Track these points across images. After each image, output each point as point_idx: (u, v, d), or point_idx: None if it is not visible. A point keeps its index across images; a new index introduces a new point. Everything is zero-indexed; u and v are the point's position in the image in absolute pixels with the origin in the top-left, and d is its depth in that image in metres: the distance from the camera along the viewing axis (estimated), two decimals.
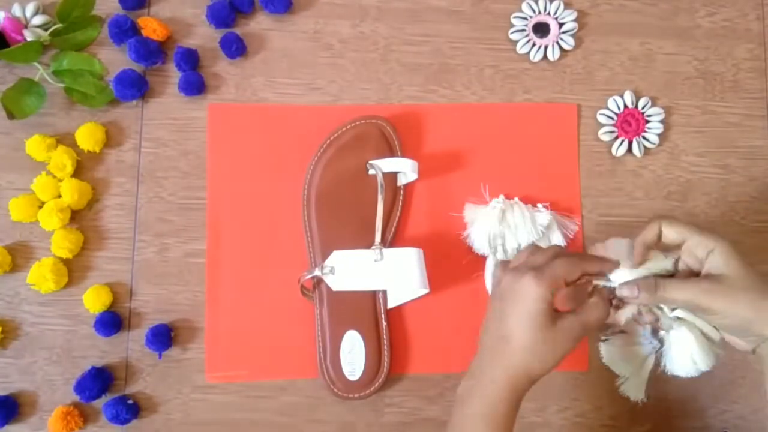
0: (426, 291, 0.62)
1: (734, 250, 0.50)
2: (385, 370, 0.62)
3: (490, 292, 0.62)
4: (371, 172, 0.63)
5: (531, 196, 0.66)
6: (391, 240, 0.64)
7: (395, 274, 0.60)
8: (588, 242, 0.67)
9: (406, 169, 0.63)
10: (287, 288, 0.63)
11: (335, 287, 0.61)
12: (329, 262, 0.61)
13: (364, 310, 0.63)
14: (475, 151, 0.67)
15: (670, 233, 0.52)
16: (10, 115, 0.63)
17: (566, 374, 0.65)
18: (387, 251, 0.61)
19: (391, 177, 0.64)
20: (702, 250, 0.51)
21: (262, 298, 0.64)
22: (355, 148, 0.64)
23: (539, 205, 0.65)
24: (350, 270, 0.61)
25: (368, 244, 0.62)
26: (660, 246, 0.53)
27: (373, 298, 0.63)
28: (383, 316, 0.63)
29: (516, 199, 0.65)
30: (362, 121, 0.64)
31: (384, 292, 0.64)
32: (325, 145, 0.64)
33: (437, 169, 0.66)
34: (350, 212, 0.63)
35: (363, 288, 0.62)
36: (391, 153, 0.64)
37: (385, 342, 0.63)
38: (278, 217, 0.65)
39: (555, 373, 0.64)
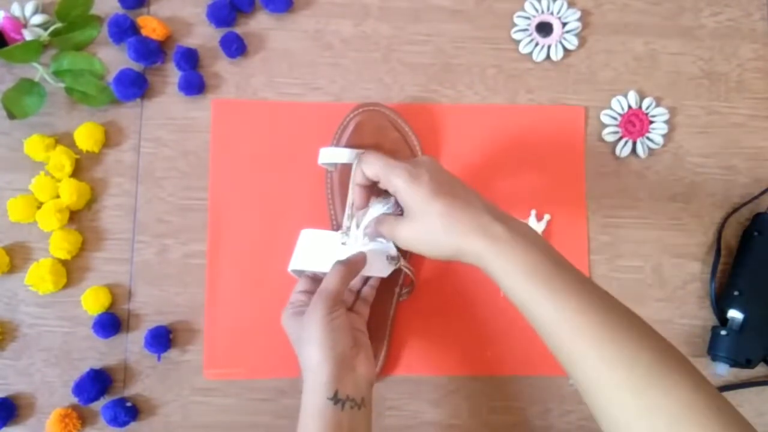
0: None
1: (412, 186, 0.49)
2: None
3: None
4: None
5: (535, 198, 0.66)
6: None
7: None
8: (593, 244, 0.66)
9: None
10: (289, 285, 0.62)
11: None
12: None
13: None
14: (478, 152, 0.66)
15: (368, 172, 0.53)
16: (11, 116, 0.63)
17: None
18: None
19: None
20: (391, 190, 0.52)
21: (263, 294, 0.63)
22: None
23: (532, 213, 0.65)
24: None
25: None
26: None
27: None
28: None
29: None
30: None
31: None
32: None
33: None
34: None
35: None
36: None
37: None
38: (279, 214, 0.64)
39: (560, 378, 0.64)
